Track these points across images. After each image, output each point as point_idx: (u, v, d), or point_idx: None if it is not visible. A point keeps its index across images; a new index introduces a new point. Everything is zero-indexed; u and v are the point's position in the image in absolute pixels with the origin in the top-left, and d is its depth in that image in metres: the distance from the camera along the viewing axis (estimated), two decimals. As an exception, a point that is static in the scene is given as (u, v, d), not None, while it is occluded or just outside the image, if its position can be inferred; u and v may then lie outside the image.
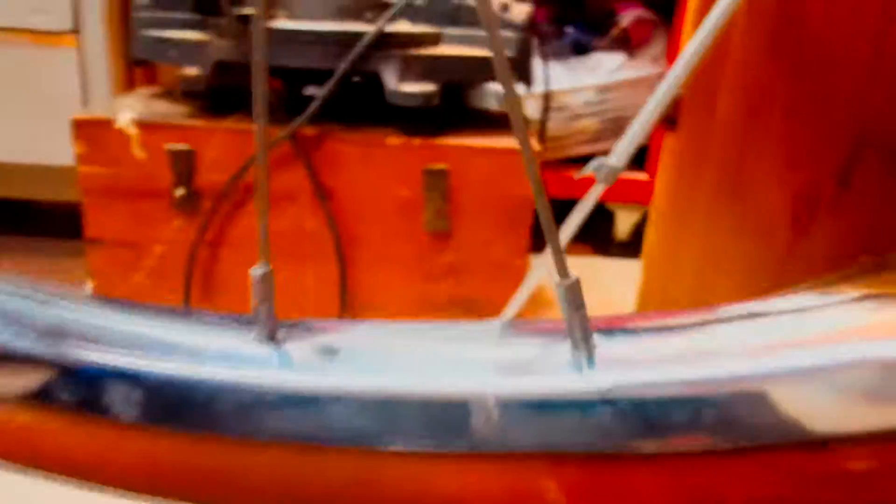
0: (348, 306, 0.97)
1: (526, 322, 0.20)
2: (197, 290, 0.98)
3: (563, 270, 0.17)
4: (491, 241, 0.95)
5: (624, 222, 1.57)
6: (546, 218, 0.17)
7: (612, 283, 1.43)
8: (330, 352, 0.19)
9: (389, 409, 0.17)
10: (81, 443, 0.18)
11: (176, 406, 0.17)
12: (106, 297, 0.22)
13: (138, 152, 0.93)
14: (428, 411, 0.16)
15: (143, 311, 0.21)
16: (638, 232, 1.46)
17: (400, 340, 0.19)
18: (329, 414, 0.17)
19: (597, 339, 0.17)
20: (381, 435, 0.16)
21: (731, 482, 0.15)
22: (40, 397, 0.18)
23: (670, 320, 0.18)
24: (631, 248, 1.45)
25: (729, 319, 0.18)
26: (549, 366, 0.17)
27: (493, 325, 0.19)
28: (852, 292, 0.18)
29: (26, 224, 1.48)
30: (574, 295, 0.17)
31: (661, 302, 1.10)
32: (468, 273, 0.96)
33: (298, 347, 0.19)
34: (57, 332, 0.19)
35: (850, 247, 1.44)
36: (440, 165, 0.92)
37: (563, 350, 0.17)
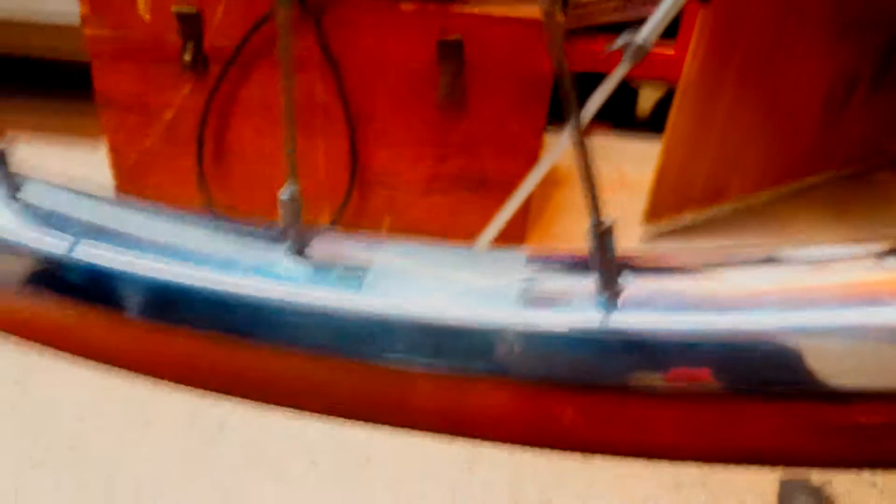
0: (358, 181, 0.96)
1: (552, 252, 0.19)
2: (208, 155, 0.98)
3: (597, 215, 0.17)
4: (506, 118, 0.92)
5: (647, 99, 1.51)
6: (582, 152, 0.17)
7: (628, 161, 1.41)
8: (359, 272, 0.19)
9: (418, 333, 0.17)
10: (121, 341, 0.19)
11: (211, 314, 0.18)
12: (138, 200, 0.23)
13: (145, 13, 0.90)
14: (457, 338, 0.17)
15: (174, 217, 0.21)
16: (660, 109, 1.42)
17: (427, 264, 0.19)
18: (360, 332, 0.17)
19: (623, 277, 0.17)
20: (408, 355, 0.17)
21: (742, 425, 0.16)
22: (82, 298, 0.19)
23: (701, 260, 0.18)
24: (651, 126, 1.41)
25: (763, 262, 0.17)
26: (574, 302, 0.17)
27: (520, 253, 0.19)
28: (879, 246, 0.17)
29: (38, 81, 1.46)
30: (606, 239, 0.16)
31: (677, 183, 1.09)
32: (481, 151, 0.94)
33: (328, 265, 0.19)
34: (93, 235, 0.19)
35: (881, 131, 1.38)
36: (455, 35, 0.88)
37: (588, 285, 0.17)
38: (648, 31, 0.68)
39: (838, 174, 1.31)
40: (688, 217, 1.12)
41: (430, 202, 0.98)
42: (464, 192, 0.97)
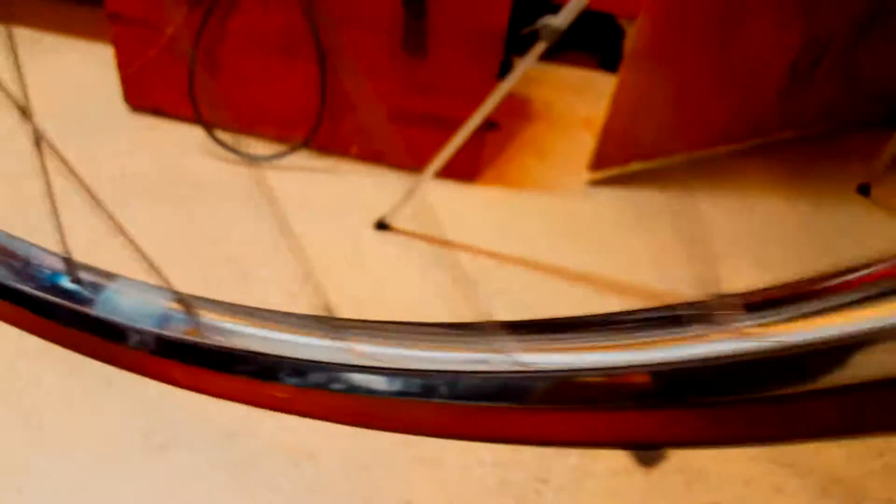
0: (328, 107, 1.08)
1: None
2: (201, 69, 1.10)
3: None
4: (463, 65, 1.01)
5: (640, 36, 1.55)
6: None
7: (602, 99, 1.47)
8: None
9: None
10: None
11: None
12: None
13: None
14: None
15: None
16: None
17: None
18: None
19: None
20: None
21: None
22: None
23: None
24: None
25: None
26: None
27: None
28: None
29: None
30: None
31: (624, 135, 1.15)
32: (440, 92, 1.04)
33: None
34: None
35: (848, 97, 1.40)
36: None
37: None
38: (564, 16, 0.77)
39: (801, 135, 1.36)
40: (634, 167, 1.21)
41: (394, 133, 1.09)
42: (425, 128, 1.08)
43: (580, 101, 1.42)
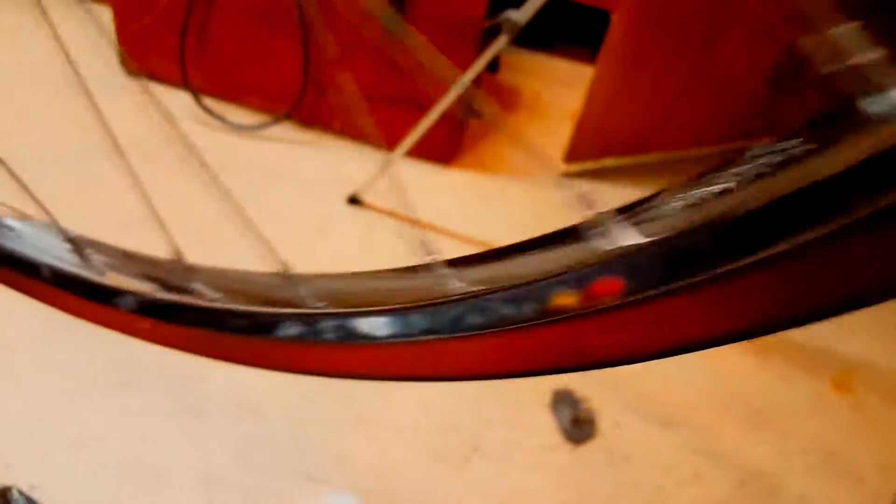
0: (312, 82, 1.12)
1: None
2: (192, 38, 1.14)
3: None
4: (443, 52, 1.05)
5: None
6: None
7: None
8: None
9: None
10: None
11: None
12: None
13: None
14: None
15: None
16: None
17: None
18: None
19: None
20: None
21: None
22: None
23: None
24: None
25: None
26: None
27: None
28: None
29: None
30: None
31: (598, 130, 1.18)
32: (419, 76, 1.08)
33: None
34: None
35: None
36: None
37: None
38: (525, 10, 0.81)
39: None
40: (609, 162, 1.24)
41: (373, 112, 1.13)
42: (402, 110, 1.12)
43: (569, 93, 1.45)
